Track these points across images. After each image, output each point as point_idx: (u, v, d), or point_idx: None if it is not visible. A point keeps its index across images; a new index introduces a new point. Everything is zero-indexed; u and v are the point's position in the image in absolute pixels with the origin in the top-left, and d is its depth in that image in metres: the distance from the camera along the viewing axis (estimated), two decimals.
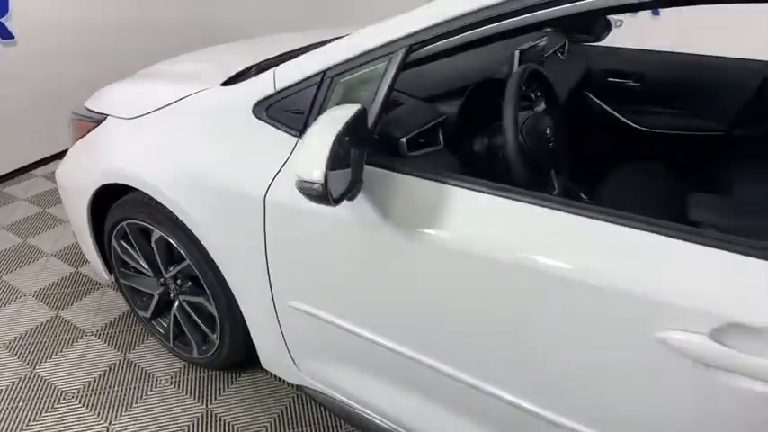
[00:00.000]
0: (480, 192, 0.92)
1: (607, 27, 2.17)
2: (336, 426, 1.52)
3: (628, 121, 2.06)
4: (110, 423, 1.52)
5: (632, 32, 4.28)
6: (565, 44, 2.11)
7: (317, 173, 0.80)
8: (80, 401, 1.58)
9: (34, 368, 1.69)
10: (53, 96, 2.76)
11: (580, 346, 0.85)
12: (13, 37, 2.69)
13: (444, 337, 1.03)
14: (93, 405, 1.57)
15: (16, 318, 1.89)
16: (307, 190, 0.82)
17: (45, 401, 1.58)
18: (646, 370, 0.80)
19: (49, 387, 1.63)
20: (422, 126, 1.14)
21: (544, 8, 0.86)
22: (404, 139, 1.09)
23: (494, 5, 0.88)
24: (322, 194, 0.81)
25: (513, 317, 0.91)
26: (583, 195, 1.49)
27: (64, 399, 1.59)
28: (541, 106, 1.43)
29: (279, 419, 1.53)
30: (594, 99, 2.12)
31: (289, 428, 1.50)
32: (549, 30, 2.05)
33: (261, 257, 1.21)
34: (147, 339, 1.82)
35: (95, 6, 3.00)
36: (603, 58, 2.14)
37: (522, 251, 0.86)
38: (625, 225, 0.80)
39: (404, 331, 1.09)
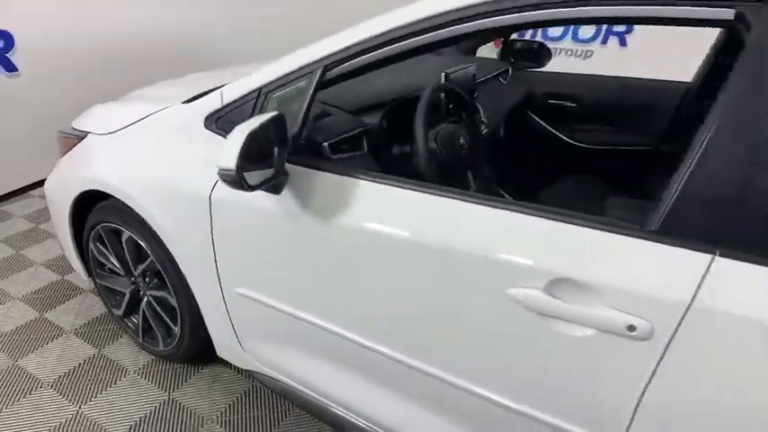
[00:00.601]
0: (384, 184, 1.11)
1: (548, 55, 2.39)
2: (289, 408, 1.66)
3: (565, 138, 2.26)
4: (80, 407, 1.67)
5: (602, 62, 4.52)
6: (508, 70, 2.34)
7: (231, 162, 0.99)
8: (55, 389, 1.74)
9: (16, 360, 1.86)
10: (52, 122, 2.98)
11: (452, 303, 1.02)
12: (17, 70, 2.96)
13: (361, 311, 1.20)
14: (66, 392, 1.73)
15: (3, 318, 2.07)
16: (224, 177, 1.01)
17: (23, 389, 1.73)
18: (501, 321, 0.96)
19: (27, 376, 1.79)
20: (343, 134, 1.34)
21: (420, 35, 1.07)
22: (326, 144, 1.28)
23: (382, 33, 1.09)
24: (236, 180, 1.00)
25: (411, 285, 1.08)
26: (503, 192, 1.68)
27: (41, 387, 1.75)
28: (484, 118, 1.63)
29: (235, 404, 1.67)
30: (535, 118, 2.33)
31: (245, 411, 1.65)
32: (477, 57, 2.29)
33: (209, 249, 1.39)
34: (121, 337, 1.98)
35: (95, 39, 3.27)
36: (545, 82, 2.36)
37: (414, 231, 1.03)
38: (492, 206, 0.97)
39: (331, 311, 1.25)
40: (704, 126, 0.82)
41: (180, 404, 1.68)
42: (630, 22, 0.98)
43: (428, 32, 1.07)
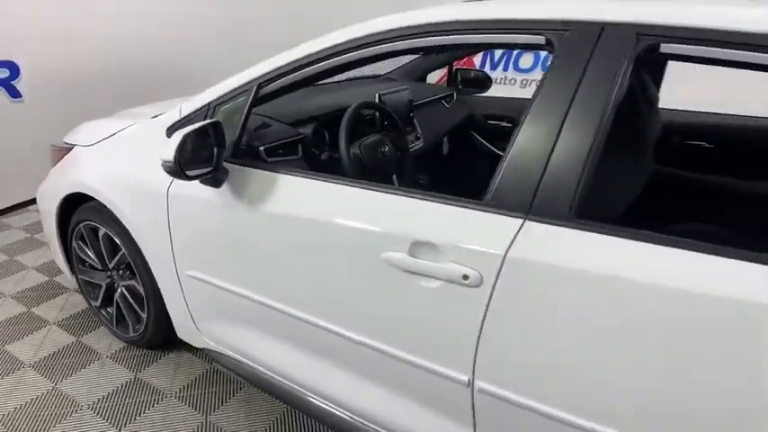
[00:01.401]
0: (304, 178, 1.37)
1: (489, 82, 2.69)
2: (242, 385, 1.88)
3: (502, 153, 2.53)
4: (56, 384, 1.89)
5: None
6: (453, 95, 2.63)
7: (170, 155, 1.26)
8: (36, 370, 1.96)
9: (3, 346, 2.09)
10: (50, 143, 3.31)
11: (349, 268, 1.26)
12: (21, 96, 3.29)
13: (286, 285, 1.43)
14: (46, 372, 1.95)
15: None
16: (165, 167, 1.28)
17: (8, 369, 1.96)
18: (379, 279, 1.20)
19: (12, 359, 2.01)
20: (279, 140, 1.61)
21: (329, 59, 1.35)
22: (262, 148, 1.55)
23: (301, 57, 1.38)
24: (174, 170, 1.27)
25: (317, 256, 1.32)
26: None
27: (23, 367, 1.97)
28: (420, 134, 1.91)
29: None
30: (477, 136, 2.61)
31: (204, 387, 1.86)
32: (413, 81, 2.59)
33: (167, 238, 1.64)
34: (99, 328, 2.21)
35: (94, 68, 3.60)
36: (486, 105, 2.65)
37: (320, 213, 1.28)
38: (377, 190, 1.23)
39: (263, 286, 1.48)
40: (517, 127, 1.08)
41: (144, 382, 1.90)
42: (469, 48, 1.26)
43: (335, 57, 1.36)
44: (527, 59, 4.23)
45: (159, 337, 1.98)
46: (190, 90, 2.78)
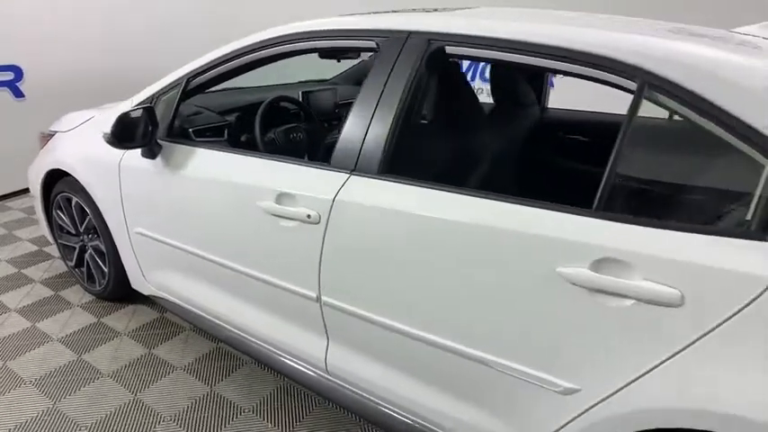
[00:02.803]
0: (215, 151, 1.78)
1: None
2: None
3: None
4: (34, 324, 2.31)
5: None
6: None
7: (107, 130, 1.68)
8: (22, 315, 2.39)
9: (11, 312, 2.53)
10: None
11: (231, 215, 1.66)
12: (24, 96, 3.77)
13: (207, 235, 1.83)
14: (30, 317, 2.37)
15: None
16: (105, 138, 1.71)
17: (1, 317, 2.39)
18: (257, 225, 1.60)
19: (3, 306, 2.44)
20: (205, 125, 2.03)
21: (239, 59, 1.76)
22: (191, 129, 1.97)
23: (218, 57, 1.79)
24: (110, 141, 1.70)
25: (226, 211, 1.72)
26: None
27: (7, 312, 2.40)
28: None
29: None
30: None
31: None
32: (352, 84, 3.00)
33: (119, 201, 2.06)
34: (74, 285, 2.63)
35: (92, 69, 4.08)
36: None
37: (228, 176, 1.68)
38: (266, 159, 1.63)
39: (198, 239, 1.88)
40: (349, 109, 1.48)
41: (105, 325, 2.31)
42: (328, 50, 1.66)
43: (244, 56, 1.77)
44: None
45: (119, 289, 2.39)
46: None
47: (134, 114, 1.76)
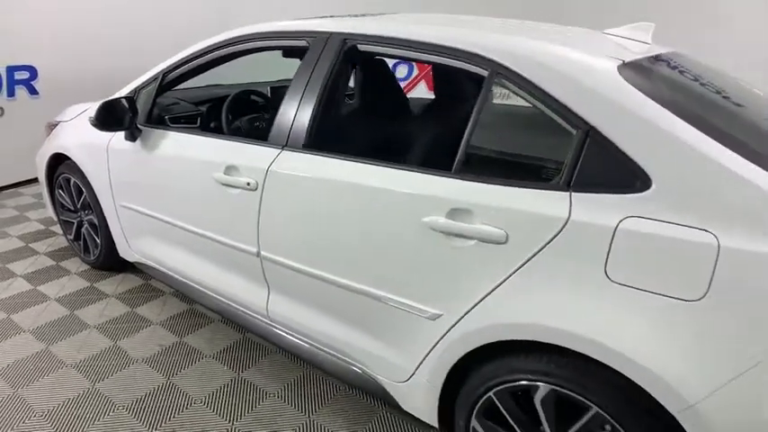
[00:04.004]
0: (185, 134, 2.12)
1: None
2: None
3: None
4: (36, 288, 2.67)
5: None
6: None
7: (92, 114, 2.02)
8: (26, 279, 2.75)
9: (4, 264, 2.89)
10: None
11: (191, 186, 1.99)
12: (38, 93, 4.17)
13: (176, 205, 2.16)
14: (33, 281, 2.73)
15: None
16: (89, 121, 2.05)
17: (3, 278, 2.75)
18: (212, 192, 1.92)
19: (7, 270, 2.81)
20: (180, 113, 2.36)
21: (204, 56, 2.09)
22: (167, 117, 2.31)
23: (189, 54, 2.13)
24: (94, 123, 2.04)
25: (192, 185, 2.05)
26: None
27: (14, 276, 2.76)
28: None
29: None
30: None
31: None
32: None
33: (108, 179, 2.41)
34: (73, 256, 2.99)
35: (100, 67, 4.47)
36: None
37: (196, 154, 2.01)
38: (219, 138, 1.96)
39: (168, 208, 2.20)
40: (284, 97, 1.79)
41: (97, 289, 2.66)
42: (272, 48, 1.98)
43: (206, 55, 2.10)
44: None
45: (109, 258, 2.73)
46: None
47: (114, 102, 2.10)
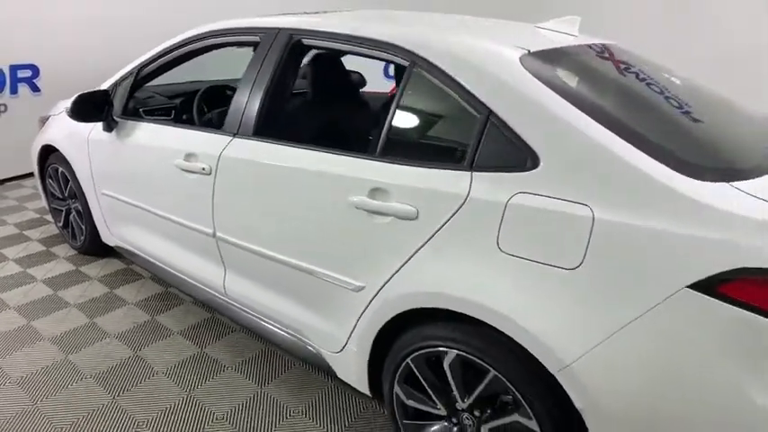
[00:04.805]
0: (159, 125, 2.26)
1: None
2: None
3: None
4: (26, 270, 2.85)
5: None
6: None
7: (67, 106, 2.18)
8: (18, 264, 2.93)
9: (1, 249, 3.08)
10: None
11: (159, 173, 2.13)
12: (40, 90, 4.38)
13: (150, 192, 2.31)
14: (24, 264, 2.91)
15: None
16: (66, 112, 2.20)
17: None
18: (178, 179, 2.06)
19: (2, 255, 2.99)
20: (154, 106, 2.51)
21: (171, 53, 2.24)
22: (141, 110, 2.46)
23: (159, 51, 2.28)
24: (69, 114, 2.19)
25: (164, 172, 2.20)
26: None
27: (6, 260, 2.94)
28: None
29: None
30: None
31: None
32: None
33: (89, 168, 2.57)
34: (63, 243, 3.17)
35: (99, 67, 4.66)
36: None
37: (167, 143, 2.16)
38: (185, 128, 2.10)
39: (139, 194, 2.36)
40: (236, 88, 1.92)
41: (82, 272, 2.82)
42: (230, 45, 2.11)
43: (174, 51, 2.25)
44: None
45: (93, 243, 2.89)
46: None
47: (88, 95, 2.26)
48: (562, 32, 1.78)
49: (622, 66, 1.67)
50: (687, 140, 1.38)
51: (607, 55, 1.73)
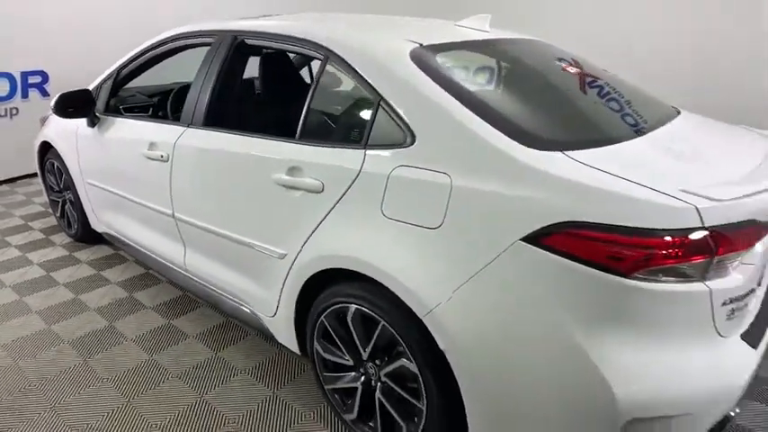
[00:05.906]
0: (134, 120, 2.53)
1: None
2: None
3: None
4: (25, 254, 3.15)
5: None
6: None
7: (53, 103, 2.46)
8: (19, 249, 3.24)
9: (3, 237, 3.40)
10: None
11: (131, 161, 2.39)
12: (49, 95, 4.73)
13: (129, 181, 2.57)
14: (23, 250, 3.22)
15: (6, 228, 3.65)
16: (51, 109, 2.48)
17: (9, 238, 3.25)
18: (147, 167, 2.32)
19: (5, 242, 3.31)
20: (134, 104, 2.79)
21: (147, 54, 2.51)
22: (122, 107, 2.74)
23: (137, 52, 2.55)
24: (54, 110, 2.47)
25: (131, 158, 2.46)
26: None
27: (9, 246, 3.25)
28: None
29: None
30: None
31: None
32: None
33: (77, 160, 2.86)
34: (60, 233, 3.47)
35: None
36: None
37: (145, 136, 2.43)
38: (159, 122, 2.36)
39: (115, 181, 2.63)
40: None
41: (76, 258, 3.11)
42: (194, 46, 2.36)
43: (148, 53, 2.51)
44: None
45: (85, 232, 3.18)
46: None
47: (70, 93, 2.54)
48: (475, 29, 1.98)
49: (509, 54, 1.87)
50: (539, 117, 1.57)
51: (497, 46, 1.93)
